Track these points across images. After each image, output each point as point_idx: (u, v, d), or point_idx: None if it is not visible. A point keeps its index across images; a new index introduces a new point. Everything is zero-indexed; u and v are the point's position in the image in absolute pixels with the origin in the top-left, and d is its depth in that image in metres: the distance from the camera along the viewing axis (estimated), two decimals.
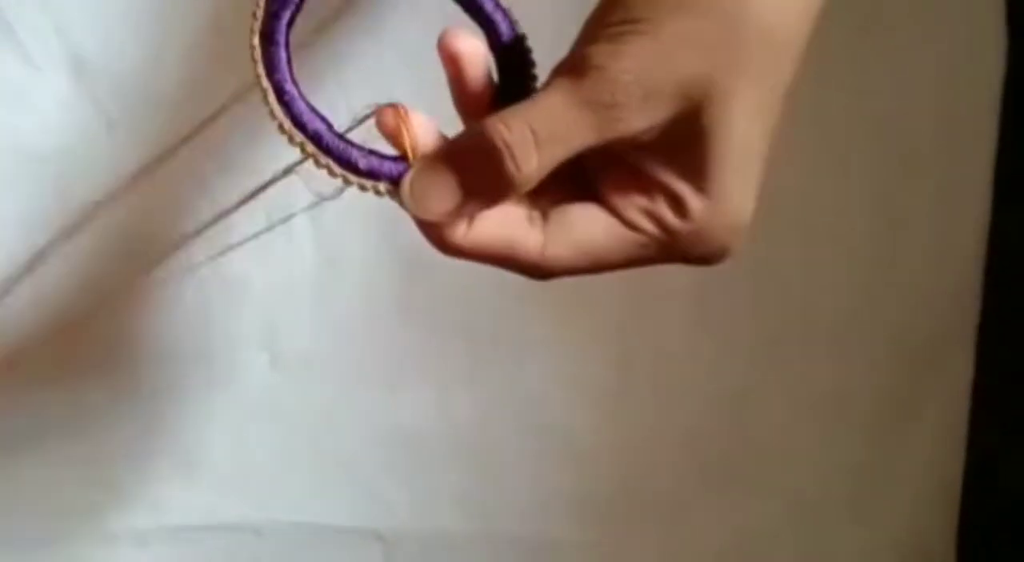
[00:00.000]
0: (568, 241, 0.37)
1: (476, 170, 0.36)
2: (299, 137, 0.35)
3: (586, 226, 0.37)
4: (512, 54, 0.38)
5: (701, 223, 0.37)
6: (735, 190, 0.37)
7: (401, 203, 0.36)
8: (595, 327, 0.59)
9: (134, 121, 0.51)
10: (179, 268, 0.55)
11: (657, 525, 0.62)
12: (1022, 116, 0.61)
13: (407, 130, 0.36)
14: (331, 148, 0.36)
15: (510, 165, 0.35)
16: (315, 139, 0.35)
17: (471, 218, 0.36)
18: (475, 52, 0.37)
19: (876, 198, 0.60)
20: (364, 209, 0.56)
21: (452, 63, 0.37)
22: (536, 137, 0.35)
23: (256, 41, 0.35)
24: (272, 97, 0.35)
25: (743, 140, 0.36)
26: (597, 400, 0.60)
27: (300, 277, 0.56)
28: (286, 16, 0.35)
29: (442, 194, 0.36)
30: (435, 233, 0.37)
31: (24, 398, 0.56)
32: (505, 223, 0.37)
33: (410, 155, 0.36)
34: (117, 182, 0.52)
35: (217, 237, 0.54)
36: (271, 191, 0.45)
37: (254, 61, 0.35)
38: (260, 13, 0.35)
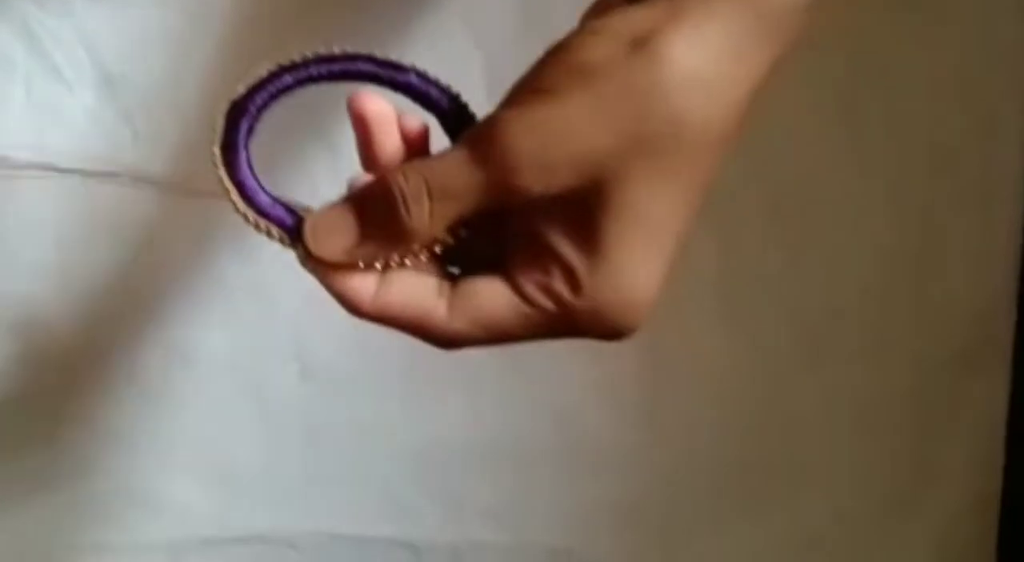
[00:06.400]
0: (470, 316, 0.37)
1: (373, 214, 0.37)
2: (263, 224, 0.38)
3: (487, 301, 0.37)
4: (456, 117, 0.39)
5: (594, 299, 0.37)
6: (631, 267, 0.37)
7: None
8: None
9: (158, 133, 0.52)
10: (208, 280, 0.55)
11: (688, 534, 0.62)
12: None
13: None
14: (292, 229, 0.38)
15: (403, 212, 0.36)
16: (279, 224, 0.38)
17: (372, 268, 0.37)
18: (382, 114, 0.37)
19: (910, 204, 0.60)
20: None
21: (360, 125, 0.38)
22: (430, 190, 0.36)
23: (216, 149, 0.38)
24: (235, 195, 0.38)
25: (644, 219, 0.36)
26: (628, 410, 0.60)
27: None
28: (245, 125, 0.38)
29: (340, 232, 0.37)
30: (343, 294, 0.37)
31: (62, 413, 0.57)
32: (414, 291, 0.38)
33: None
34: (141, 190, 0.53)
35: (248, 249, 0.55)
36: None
37: (215, 166, 0.37)
38: (220, 125, 0.38)
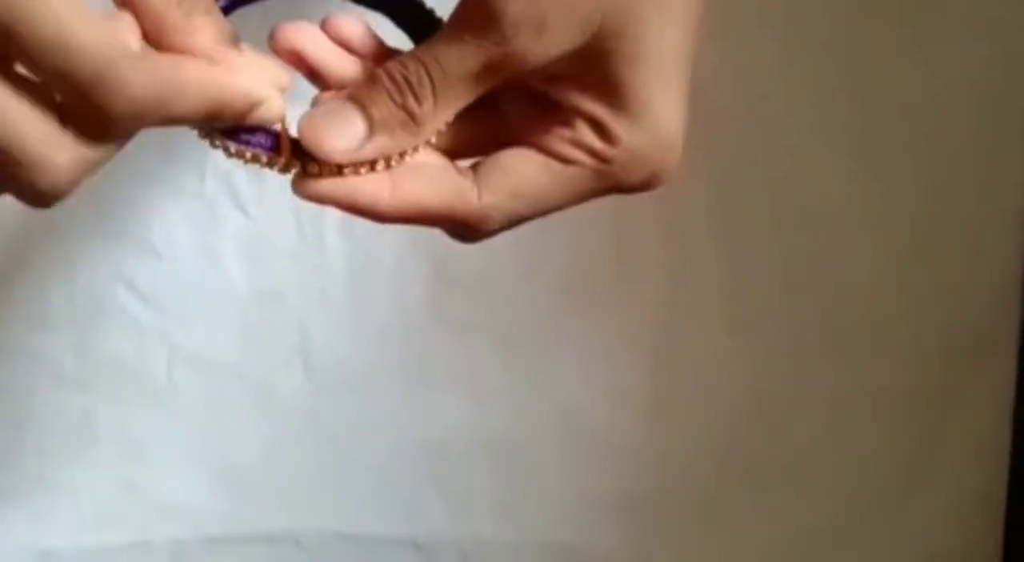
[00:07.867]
0: (503, 184, 0.36)
1: (379, 105, 0.35)
2: (249, 153, 0.35)
3: (520, 167, 0.36)
4: (426, 27, 0.37)
5: (630, 144, 0.36)
6: (656, 105, 0.36)
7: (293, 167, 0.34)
8: (630, 331, 0.59)
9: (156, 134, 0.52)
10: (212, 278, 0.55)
11: (694, 530, 0.62)
12: None
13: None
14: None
15: (411, 100, 0.35)
16: (264, 148, 0.35)
17: (374, 169, 0.35)
18: (310, 38, 0.36)
19: (913, 194, 0.60)
20: None
21: (294, 59, 0.36)
22: (430, 75, 0.35)
23: None
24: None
25: (656, 59, 0.36)
26: (633, 404, 0.60)
27: (333, 286, 0.57)
28: None
29: (346, 128, 0.35)
30: (358, 202, 0.35)
31: (67, 408, 0.57)
32: (434, 177, 0.36)
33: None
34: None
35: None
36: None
37: None
38: None
